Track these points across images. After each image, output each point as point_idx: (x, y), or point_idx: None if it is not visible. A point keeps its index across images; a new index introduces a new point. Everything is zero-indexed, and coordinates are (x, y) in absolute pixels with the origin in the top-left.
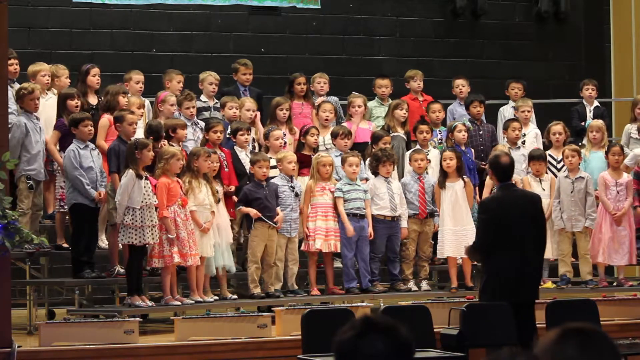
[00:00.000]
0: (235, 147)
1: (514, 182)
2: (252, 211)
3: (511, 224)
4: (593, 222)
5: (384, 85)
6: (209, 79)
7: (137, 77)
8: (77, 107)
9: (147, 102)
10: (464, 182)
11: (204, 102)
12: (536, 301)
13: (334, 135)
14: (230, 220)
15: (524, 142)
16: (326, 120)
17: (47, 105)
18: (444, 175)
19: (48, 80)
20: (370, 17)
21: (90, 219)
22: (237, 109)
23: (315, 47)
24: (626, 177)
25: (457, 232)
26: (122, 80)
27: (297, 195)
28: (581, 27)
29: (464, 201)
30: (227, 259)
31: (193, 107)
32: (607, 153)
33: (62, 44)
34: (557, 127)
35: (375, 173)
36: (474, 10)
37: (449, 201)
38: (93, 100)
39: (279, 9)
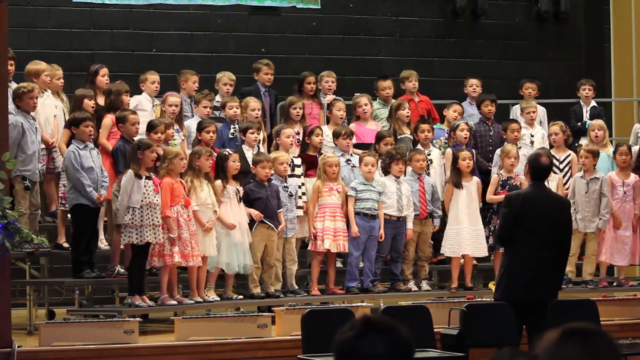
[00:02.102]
0: (243, 146)
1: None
2: (255, 212)
3: (532, 222)
4: (605, 223)
5: (386, 86)
6: (224, 79)
7: (152, 78)
8: (93, 107)
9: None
10: (479, 181)
11: (217, 101)
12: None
13: (336, 135)
14: None
15: (532, 143)
16: (341, 118)
17: (46, 105)
18: (458, 174)
19: (50, 80)
20: (370, 17)
21: (91, 219)
22: (237, 108)
23: (315, 47)
24: (633, 177)
25: (466, 231)
26: (122, 80)
27: (291, 195)
28: (581, 27)
29: (476, 201)
30: (248, 258)
31: (211, 107)
32: (614, 153)
33: (62, 44)
34: (553, 128)
35: (386, 172)
36: (474, 10)
37: (465, 200)
38: (102, 100)
39: (279, 9)
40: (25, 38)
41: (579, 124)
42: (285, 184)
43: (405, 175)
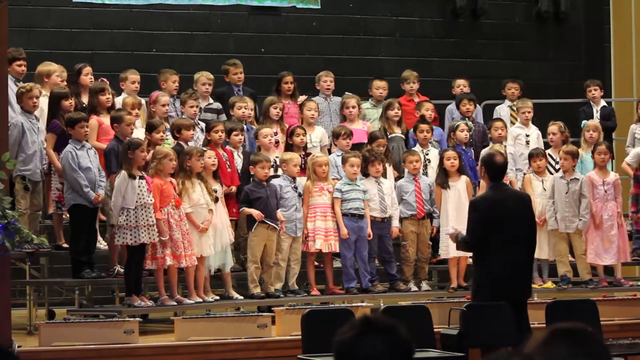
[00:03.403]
0: (227, 147)
1: (507, 181)
2: (255, 212)
3: (502, 223)
4: (585, 225)
5: (381, 87)
6: (202, 79)
7: (132, 77)
8: (71, 106)
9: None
10: (467, 180)
11: (197, 102)
12: (536, 301)
13: (336, 136)
14: (233, 220)
15: (527, 143)
16: (312, 118)
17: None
18: (445, 174)
19: (60, 80)
20: (370, 17)
21: (90, 219)
22: (245, 109)
23: (315, 47)
24: (613, 176)
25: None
26: (119, 80)
27: (300, 195)
28: (581, 27)
29: (466, 199)
30: (224, 258)
31: (197, 106)
32: (593, 152)
33: (62, 44)
34: (552, 128)
35: (366, 174)
36: (474, 10)
37: (453, 200)
38: (86, 99)
39: (279, 9)
40: (25, 38)
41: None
42: (294, 184)
43: (403, 175)
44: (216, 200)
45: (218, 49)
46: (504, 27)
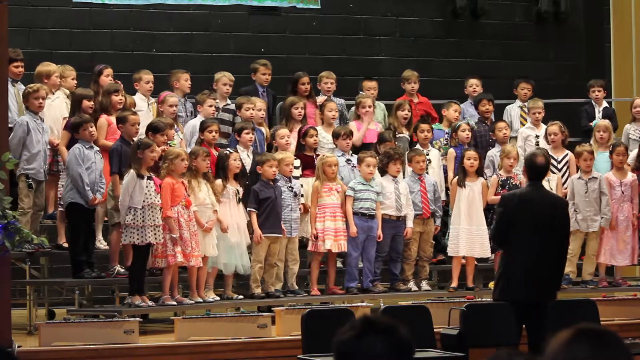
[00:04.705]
0: (237, 147)
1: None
2: (257, 233)
3: (528, 222)
4: (607, 222)
5: (372, 87)
6: (223, 79)
7: (147, 77)
8: (91, 108)
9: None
10: (484, 182)
11: (216, 102)
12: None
13: (336, 136)
14: None
15: (537, 144)
16: (332, 118)
17: (54, 106)
18: (463, 173)
19: (59, 81)
20: (370, 17)
21: (87, 218)
22: (253, 110)
23: (315, 47)
24: (631, 177)
25: (472, 231)
26: (119, 80)
27: (295, 195)
28: (581, 27)
29: (480, 201)
30: (245, 259)
31: (215, 105)
32: (611, 153)
33: (62, 44)
34: (552, 128)
35: (383, 172)
36: (474, 10)
37: (466, 200)
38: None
39: (279, 9)
40: (25, 38)
41: (591, 124)
42: (290, 184)
43: (404, 176)
44: (239, 201)
45: (218, 49)
46: (504, 27)
